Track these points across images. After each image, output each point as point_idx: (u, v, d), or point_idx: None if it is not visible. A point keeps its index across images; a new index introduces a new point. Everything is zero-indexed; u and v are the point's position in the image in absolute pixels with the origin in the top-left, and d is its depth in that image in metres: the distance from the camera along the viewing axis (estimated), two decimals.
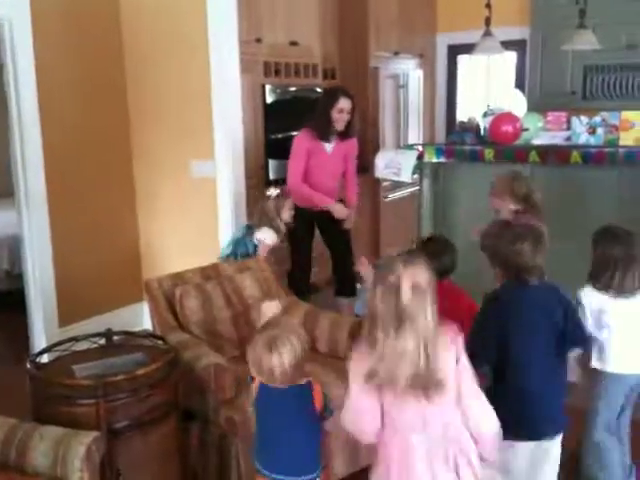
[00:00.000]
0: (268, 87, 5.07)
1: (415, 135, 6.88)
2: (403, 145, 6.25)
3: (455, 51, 7.19)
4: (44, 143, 4.10)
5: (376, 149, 5.62)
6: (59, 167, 4.21)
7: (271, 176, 5.15)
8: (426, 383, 1.83)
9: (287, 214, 3.99)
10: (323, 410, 2.17)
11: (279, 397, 2.13)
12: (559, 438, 2.42)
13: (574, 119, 4.44)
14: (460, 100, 7.46)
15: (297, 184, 4.29)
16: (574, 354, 2.51)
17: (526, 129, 4.45)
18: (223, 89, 4.34)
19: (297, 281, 4.45)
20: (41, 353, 2.73)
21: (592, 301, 2.64)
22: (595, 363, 2.68)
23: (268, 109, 5.08)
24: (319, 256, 4.82)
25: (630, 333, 2.66)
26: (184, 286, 3.16)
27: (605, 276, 2.60)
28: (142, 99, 4.62)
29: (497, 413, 1.96)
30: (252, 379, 2.20)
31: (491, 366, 2.35)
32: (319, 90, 5.43)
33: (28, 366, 2.49)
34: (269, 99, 5.09)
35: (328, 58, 5.85)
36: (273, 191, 3.99)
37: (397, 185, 6.10)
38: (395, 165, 4.73)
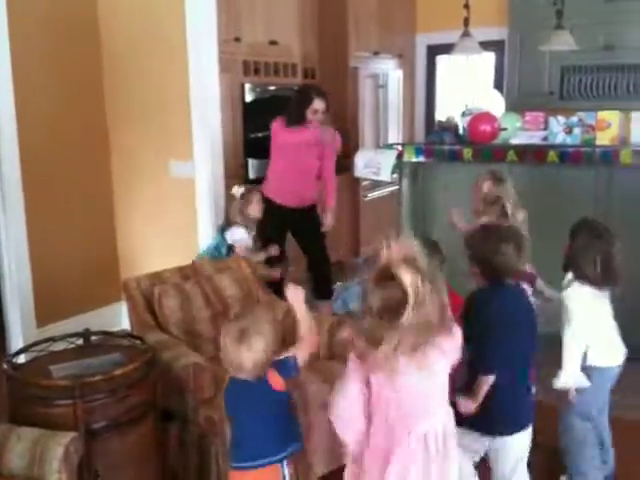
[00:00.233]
0: (247, 86, 5.07)
1: (395, 135, 6.90)
2: (383, 145, 6.27)
3: (434, 51, 7.23)
4: (20, 142, 4.05)
5: (356, 149, 5.64)
6: (36, 166, 4.17)
7: (251, 175, 5.14)
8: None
9: (256, 208, 3.94)
10: (286, 377, 2.15)
11: (241, 388, 2.14)
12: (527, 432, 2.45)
13: (551, 119, 4.50)
14: (439, 100, 7.50)
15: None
16: None
17: (504, 129, 4.49)
18: (202, 88, 4.32)
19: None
20: (18, 353, 2.71)
21: (582, 294, 2.65)
22: (590, 360, 2.69)
23: (247, 108, 5.07)
24: (297, 256, 4.81)
25: (609, 326, 2.73)
26: (162, 286, 3.15)
27: (588, 269, 2.62)
28: (120, 99, 4.59)
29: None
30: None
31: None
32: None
33: (5, 366, 2.47)
34: (248, 98, 5.08)
35: (308, 57, 5.85)
36: (237, 189, 3.94)
37: (377, 184, 6.12)
38: (374, 164, 4.75)
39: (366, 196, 6.35)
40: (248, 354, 2.06)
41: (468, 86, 7.36)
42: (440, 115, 6.86)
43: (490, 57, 6.85)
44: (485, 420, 2.25)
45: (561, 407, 2.80)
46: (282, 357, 2.17)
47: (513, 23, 6.32)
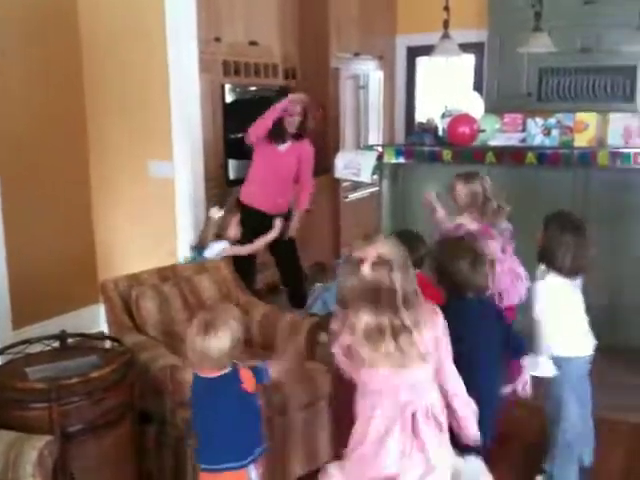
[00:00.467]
0: (228, 87, 5.05)
1: (375, 136, 6.92)
2: (363, 146, 6.28)
3: (414, 53, 7.26)
4: None
5: (336, 149, 5.64)
6: (12, 166, 4.12)
7: (231, 176, 5.13)
8: (403, 360, 1.89)
9: (234, 231, 3.87)
10: (259, 382, 2.20)
11: (208, 387, 2.15)
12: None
13: (529, 121, 4.53)
14: (419, 101, 7.53)
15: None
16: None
17: (483, 130, 4.52)
18: (181, 88, 4.30)
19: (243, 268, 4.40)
20: None
21: (554, 285, 2.69)
22: (558, 351, 2.74)
23: (228, 109, 5.06)
24: (267, 261, 4.80)
25: (580, 317, 2.77)
26: (140, 287, 3.13)
27: (561, 259, 2.66)
28: (99, 98, 4.55)
29: None
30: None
31: None
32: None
33: None
34: (229, 99, 5.07)
35: (288, 58, 5.85)
36: (216, 211, 3.83)
37: (357, 185, 6.13)
38: (355, 165, 4.76)
39: (347, 197, 6.36)
40: (214, 342, 2.07)
41: (448, 88, 7.40)
42: (420, 116, 6.89)
43: (469, 59, 6.89)
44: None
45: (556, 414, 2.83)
46: (258, 364, 2.22)
47: (492, 25, 6.36)
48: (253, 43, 5.27)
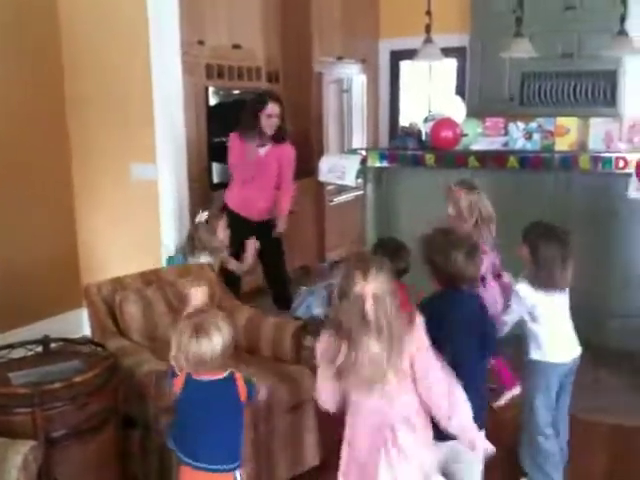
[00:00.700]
0: (211, 89, 5.06)
1: (359, 140, 6.94)
2: (347, 149, 6.30)
3: (397, 57, 7.29)
4: None
5: (320, 153, 5.66)
6: None
7: (215, 179, 5.13)
8: (384, 383, 1.97)
9: (222, 234, 3.89)
10: (248, 396, 2.23)
11: (205, 390, 2.16)
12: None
13: (511, 125, 4.57)
14: (403, 105, 7.57)
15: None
16: None
17: (465, 135, 4.56)
18: (165, 91, 4.28)
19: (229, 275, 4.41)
20: None
21: (527, 297, 2.74)
22: (534, 354, 2.78)
23: (211, 112, 5.06)
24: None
25: (562, 324, 2.80)
26: (124, 292, 3.11)
27: (543, 275, 2.69)
28: (81, 99, 4.53)
29: None
30: (173, 374, 2.21)
31: None
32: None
33: None
34: (212, 101, 5.07)
35: (271, 61, 5.86)
36: (202, 215, 3.87)
37: (342, 189, 6.15)
38: (339, 169, 4.77)
39: (331, 201, 6.37)
40: (208, 346, 2.09)
41: (431, 92, 7.45)
42: (404, 120, 6.93)
43: (452, 63, 6.93)
44: (436, 426, 2.26)
45: (525, 411, 2.86)
46: (251, 379, 2.27)
47: (474, 30, 6.41)
48: (236, 46, 5.28)
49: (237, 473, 2.22)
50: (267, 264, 4.57)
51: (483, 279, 3.12)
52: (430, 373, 2.05)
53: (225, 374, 2.18)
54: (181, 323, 2.17)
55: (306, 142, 5.82)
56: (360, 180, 4.90)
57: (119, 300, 3.05)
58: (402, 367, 1.99)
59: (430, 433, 2.14)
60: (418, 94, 7.54)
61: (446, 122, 4.59)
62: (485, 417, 2.50)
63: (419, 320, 2.07)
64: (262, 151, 4.37)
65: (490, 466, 2.72)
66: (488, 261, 3.21)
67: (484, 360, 2.56)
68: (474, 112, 5.90)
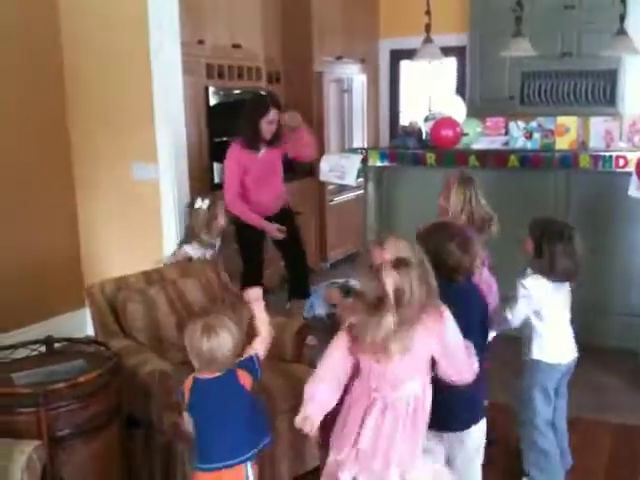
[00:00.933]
0: (211, 89, 5.05)
1: (359, 139, 6.95)
2: (347, 149, 6.30)
3: (398, 56, 7.30)
4: None
5: (321, 153, 5.66)
6: None
7: (216, 179, 5.13)
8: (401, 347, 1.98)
9: (222, 220, 3.85)
10: (254, 378, 2.25)
11: (213, 387, 2.18)
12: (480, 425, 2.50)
13: (511, 124, 4.58)
14: (403, 104, 7.57)
15: (233, 202, 4.25)
16: None
17: (466, 134, 4.56)
18: (165, 90, 4.29)
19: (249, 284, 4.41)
20: None
21: (537, 288, 2.72)
22: (536, 354, 2.78)
23: (212, 111, 5.06)
24: (270, 257, 4.81)
25: (562, 323, 2.81)
26: (127, 291, 3.12)
27: (547, 269, 2.70)
28: (82, 100, 4.53)
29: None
30: (183, 395, 2.23)
31: None
32: (263, 93, 5.43)
33: None
34: (212, 101, 5.07)
35: (272, 61, 5.87)
36: (202, 202, 3.78)
37: (343, 188, 6.16)
38: (339, 169, 4.78)
39: (332, 200, 6.38)
40: (219, 345, 2.12)
41: (431, 91, 7.45)
42: (404, 120, 6.93)
43: (452, 63, 6.94)
44: (438, 417, 2.27)
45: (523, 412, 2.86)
46: (247, 356, 2.26)
47: (474, 29, 6.43)
48: (236, 46, 5.28)
49: (248, 465, 2.22)
50: (288, 250, 4.55)
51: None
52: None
53: (223, 371, 2.19)
54: (192, 324, 2.19)
55: None
56: (361, 179, 4.91)
57: (122, 300, 3.06)
58: (413, 346, 1.99)
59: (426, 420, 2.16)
60: (418, 93, 7.55)
61: (446, 121, 4.60)
62: (484, 408, 2.53)
63: (447, 314, 2.09)
64: (262, 154, 4.35)
65: (492, 465, 2.74)
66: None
67: (484, 350, 2.55)
68: (475, 111, 5.92)
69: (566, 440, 2.97)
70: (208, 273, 3.48)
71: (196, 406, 2.21)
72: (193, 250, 3.72)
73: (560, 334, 2.79)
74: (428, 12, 5.09)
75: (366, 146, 6.59)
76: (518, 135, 4.52)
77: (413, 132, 4.87)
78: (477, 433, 2.46)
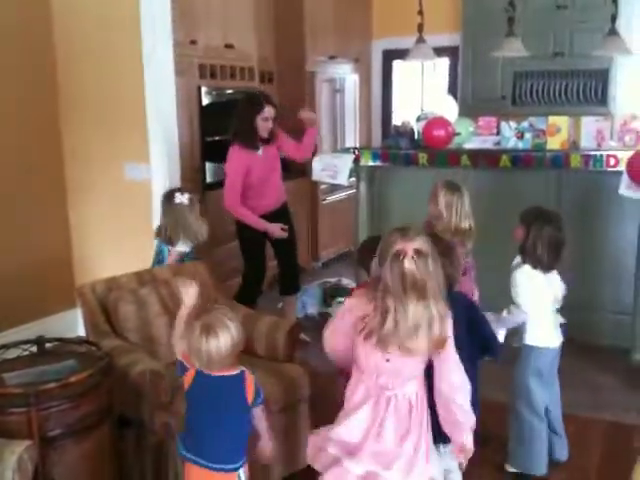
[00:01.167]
0: (204, 89, 5.05)
1: (352, 139, 6.95)
2: (340, 148, 6.31)
3: (390, 56, 7.31)
4: None
5: (313, 152, 5.66)
6: None
7: (208, 179, 5.13)
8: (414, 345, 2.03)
9: (198, 213, 3.71)
10: (254, 400, 2.25)
11: (214, 385, 2.18)
12: None
13: (503, 124, 4.59)
14: (395, 104, 7.58)
15: (234, 206, 4.23)
16: None
17: (458, 133, 4.57)
18: (158, 90, 4.28)
19: (250, 289, 4.41)
20: None
21: (530, 277, 2.83)
22: (529, 339, 2.87)
23: (204, 111, 5.05)
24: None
25: (550, 309, 2.90)
26: (118, 291, 3.11)
27: (537, 256, 2.80)
28: (74, 100, 4.52)
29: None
30: (183, 372, 2.23)
31: None
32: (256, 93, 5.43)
33: None
34: (205, 101, 5.06)
35: (265, 61, 5.86)
36: (182, 197, 3.64)
37: (335, 188, 6.17)
38: (332, 168, 4.78)
39: (324, 199, 6.39)
40: (216, 344, 2.11)
41: (423, 91, 7.46)
42: (396, 119, 6.94)
43: (444, 63, 6.95)
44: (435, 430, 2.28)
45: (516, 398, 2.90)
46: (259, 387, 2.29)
47: (466, 30, 6.44)
48: (229, 46, 5.28)
49: (241, 472, 2.23)
50: (281, 248, 4.54)
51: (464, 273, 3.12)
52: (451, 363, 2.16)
53: (236, 372, 2.21)
54: (191, 325, 2.19)
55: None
56: (353, 179, 4.91)
57: (114, 300, 3.06)
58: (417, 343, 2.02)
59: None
60: (411, 93, 7.56)
61: (438, 121, 4.60)
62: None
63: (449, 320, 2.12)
64: (261, 152, 4.33)
65: (484, 464, 2.74)
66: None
67: (477, 359, 2.58)
68: (466, 111, 5.93)
69: (560, 426, 3.01)
70: (201, 274, 3.48)
71: (193, 397, 2.23)
72: (185, 246, 3.71)
73: (549, 319, 2.89)
74: (421, 12, 5.10)
75: (358, 146, 6.58)
76: (510, 135, 4.53)
77: (405, 132, 4.87)
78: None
